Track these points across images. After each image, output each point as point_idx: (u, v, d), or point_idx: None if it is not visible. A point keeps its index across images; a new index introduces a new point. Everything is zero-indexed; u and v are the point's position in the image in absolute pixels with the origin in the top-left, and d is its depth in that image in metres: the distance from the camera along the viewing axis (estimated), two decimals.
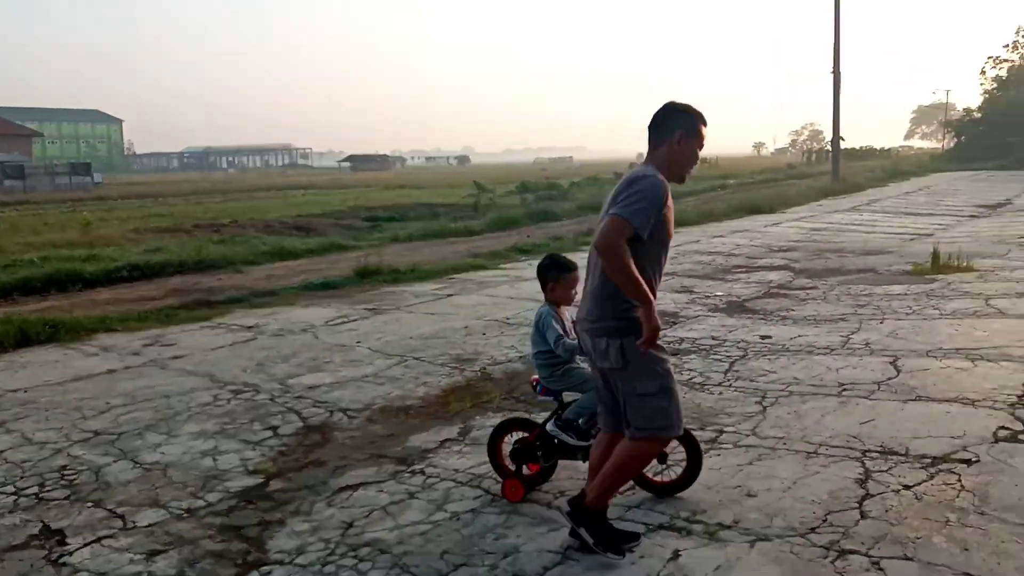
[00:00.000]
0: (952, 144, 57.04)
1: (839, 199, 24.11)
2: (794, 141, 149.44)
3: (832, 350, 6.47)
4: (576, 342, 3.73)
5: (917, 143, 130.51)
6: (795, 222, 17.50)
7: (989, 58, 60.40)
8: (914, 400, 5.13)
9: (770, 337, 6.97)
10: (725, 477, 3.95)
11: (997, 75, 56.55)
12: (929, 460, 4.14)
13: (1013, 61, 56.84)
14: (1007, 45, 58.50)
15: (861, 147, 68.24)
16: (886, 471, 4.03)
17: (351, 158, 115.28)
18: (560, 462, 4.01)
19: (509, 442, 4.04)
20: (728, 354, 6.44)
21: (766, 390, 5.44)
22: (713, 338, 7.00)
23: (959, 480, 3.88)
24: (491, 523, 3.63)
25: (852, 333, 7.02)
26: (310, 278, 11.02)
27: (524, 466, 3.96)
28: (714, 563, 3.19)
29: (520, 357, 6.55)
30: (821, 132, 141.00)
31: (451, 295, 9.56)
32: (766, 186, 31.73)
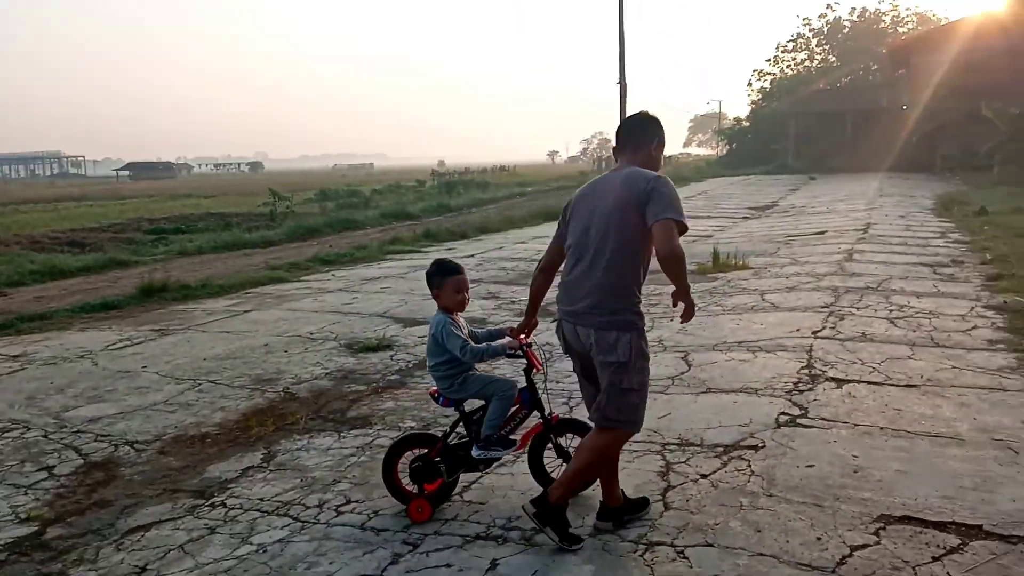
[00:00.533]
0: (725, 151, 62.20)
1: None
2: (585, 149, 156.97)
3: None
4: (482, 345, 3.70)
5: (695, 150, 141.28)
6: None
7: (755, 71, 66.51)
8: (705, 392, 5.48)
9: None
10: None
11: (762, 87, 62.43)
12: (722, 448, 4.43)
13: (774, 74, 62.99)
14: (769, 59, 64.77)
15: None
16: (684, 462, 4.26)
17: (130, 166, 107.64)
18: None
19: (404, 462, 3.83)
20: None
21: (572, 391, 5.59)
22: None
23: (749, 466, 4.17)
24: (302, 552, 3.43)
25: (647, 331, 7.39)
26: (87, 299, 10.07)
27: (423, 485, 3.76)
28: (531, 569, 3.21)
29: (327, 374, 6.32)
30: (610, 140, 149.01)
31: (248, 311, 9.06)
32: (561, 193, 32.95)
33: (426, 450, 3.82)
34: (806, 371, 5.84)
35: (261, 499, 4.01)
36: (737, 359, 6.25)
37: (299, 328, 8.01)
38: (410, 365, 6.52)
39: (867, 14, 60.10)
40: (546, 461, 3.96)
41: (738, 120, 64.66)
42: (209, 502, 4.01)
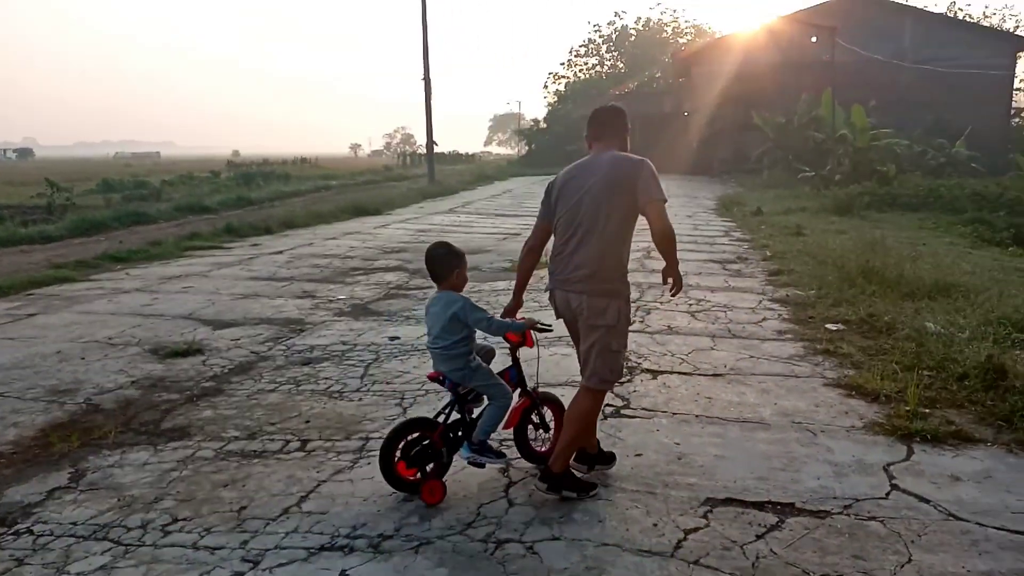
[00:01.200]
0: (525, 151, 64.12)
1: (437, 201, 25.64)
2: (388, 144, 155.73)
3: None
4: (507, 320, 4.05)
5: (495, 149, 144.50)
6: (402, 223, 18.18)
7: (550, 74, 69.01)
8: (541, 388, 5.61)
9: (399, 338, 7.13)
10: (380, 486, 3.91)
11: (557, 89, 64.92)
12: None
13: (568, 77, 65.75)
14: (563, 63, 67.62)
15: (450, 151, 73.44)
16: (520, 457, 4.35)
17: None
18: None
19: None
20: (361, 358, 6.44)
21: (404, 391, 5.55)
22: (344, 343, 6.95)
23: None
24: None
25: None
26: None
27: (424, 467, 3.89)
28: None
29: (133, 383, 5.83)
30: (413, 136, 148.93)
31: (33, 314, 8.16)
32: (369, 188, 32.51)
33: (417, 435, 3.88)
34: (625, 364, 6.16)
35: (74, 523, 3.63)
36: (560, 354, 6.46)
37: (95, 333, 7.32)
38: (225, 370, 6.16)
39: (651, 24, 64.24)
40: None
41: (536, 121, 66.86)
42: (13, 530, 3.58)
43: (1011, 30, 46.73)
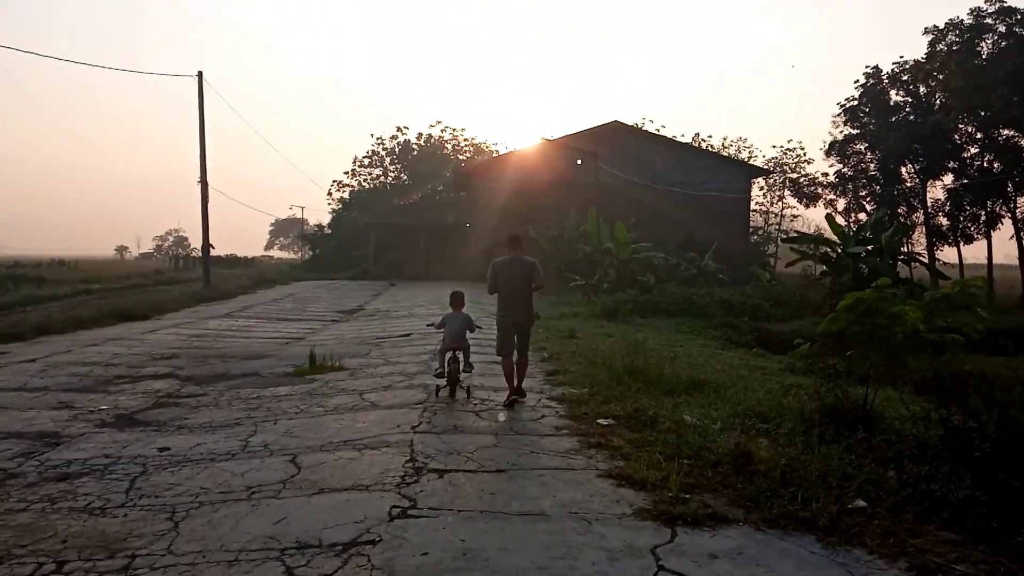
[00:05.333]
0: (309, 256, 63.24)
1: (213, 305, 24.49)
2: (159, 246, 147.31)
3: (234, 455, 6.53)
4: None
5: (277, 253, 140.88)
6: (173, 328, 17.17)
7: (334, 182, 69.06)
8: (318, 493, 5.50)
9: (169, 449, 6.69)
10: None
11: (341, 197, 65.21)
12: (341, 547, 4.48)
13: (353, 186, 66.42)
14: (347, 172, 68.21)
15: (227, 255, 70.72)
16: (306, 564, 4.23)
17: None
18: None
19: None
20: (126, 471, 5.97)
21: (175, 504, 5.20)
22: (106, 456, 6.40)
23: (369, 560, 4.29)
24: None
25: (250, 436, 7.19)
26: None
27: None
28: None
29: None
30: (187, 238, 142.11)
31: None
32: (136, 291, 30.42)
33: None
34: (410, 464, 6.19)
35: None
36: (346, 457, 6.38)
37: None
38: None
39: (432, 140, 66.96)
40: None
41: (320, 226, 66.49)
42: None
43: (745, 159, 53.59)
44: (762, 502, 5.21)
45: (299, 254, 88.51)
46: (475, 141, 67.87)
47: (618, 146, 38.01)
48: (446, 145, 66.96)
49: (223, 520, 4.93)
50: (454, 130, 67.73)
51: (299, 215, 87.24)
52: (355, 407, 8.56)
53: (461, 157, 64.94)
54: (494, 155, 57.30)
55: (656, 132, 47.96)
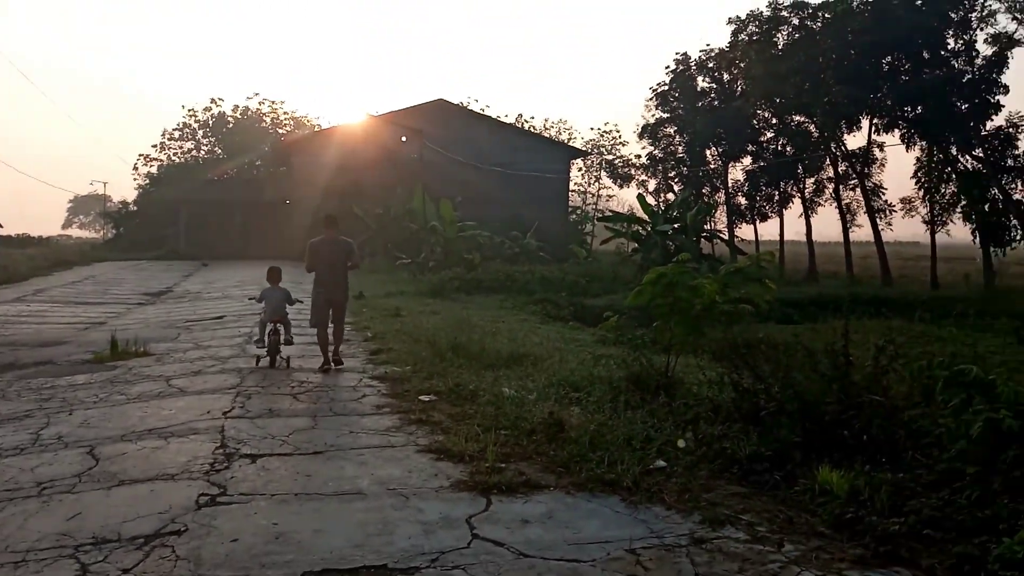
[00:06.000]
0: (112, 235, 58.67)
1: (1, 289, 22.25)
2: None
3: (23, 449, 6.01)
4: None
5: (76, 232, 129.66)
6: None
7: (140, 155, 64.08)
8: (118, 485, 5.18)
9: None
10: None
11: (149, 172, 60.79)
12: (143, 539, 4.25)
13: (162, 160, 62.05)
14: (155, 145, 63.53)
15: (19, 234, 64.18)
16: (103, 560, 3.99)
17: None
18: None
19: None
20: None
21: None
22: None
23: (173, 551, 4.10)
24: None
25: (41, 429, 6.64)
26: None
27: None
28: None
29: None
30: None
31: None
32: None
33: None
34: (221, 451, 5.96)
35: None
36: (150, 447, 6.04)
37: None
38: None
39: (249, 112, 63.83)
40: None
41: (125, 203, 61.78)
42: None
43: (566, 141, 55.23)
44: (572, 467, 5.46)
45: (101, 233, 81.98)
46: (296, 115, 65.44)
47: (444, 124, 38.03)
48: (264, 118, 64.09)
49: (8, 520, 4.53)
50: (273, 102, 64.81)
51: (101, 191, 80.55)
52: (161, 394, 8.10)
53: (281, 131, 62.44)
54: (316, 129, 55.50)
55: (481, 112, 48.36)
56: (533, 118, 62.59)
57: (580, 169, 56.63)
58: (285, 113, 65.08)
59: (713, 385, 7.05)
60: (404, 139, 37.19)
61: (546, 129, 58.48)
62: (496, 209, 36.57)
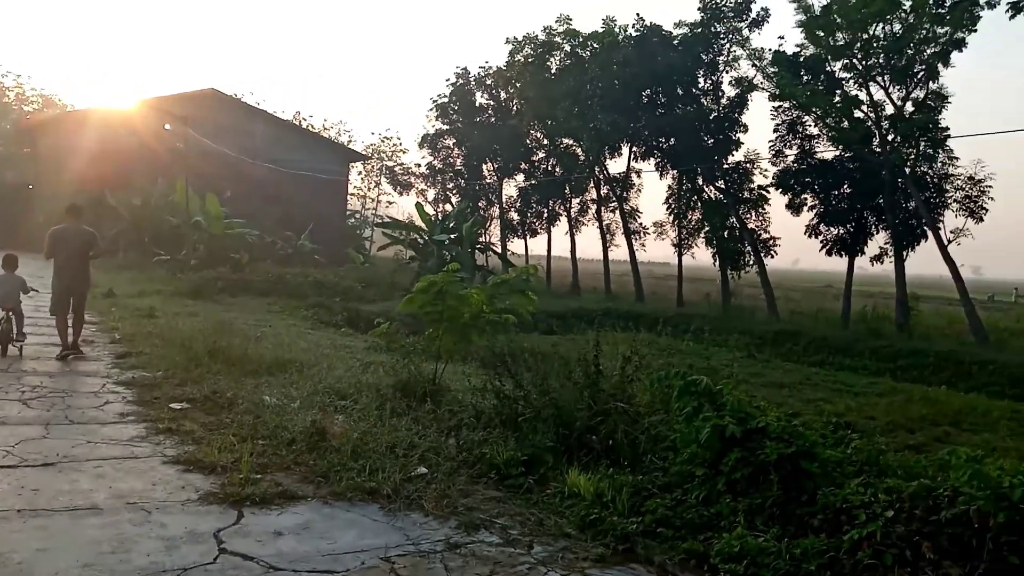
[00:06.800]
0: None
1: None
2: None
3: None
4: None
5: None
6: None
7: None
8: None
9: None
10: None
11: None
12: None
13: None
14: None
15: None
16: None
17: None
18: None
19: None
20: None
21: None
22: None
23: None
24: None
25: None
26: None
27: None
28: None
29: None
30: None
31: None
32: None
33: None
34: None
35: None
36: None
37: None
38: None
39: None
40: None
41: None
42: None
43: (345, 143, 54.28)
44: (332, 476, 5.38)
45: None
46: (44, 93, 58.93)
47: (215, 115, 35.81)
48: (7, 93, 57.13)
49: None
50: (17, 77, 57.92)
51: None
52: None
53: (27, 108, 55.97)
54: (68, 110, 50.29)
55: (256, 105, 46.28)
56: (312, 116, 61.04)
57: (360, 173, 56.03)
58: (33, 89, 58.47)
59: (477, 392, 7.25)
60: (168, 127, 34.67)
61: (325, 130, 57.25)
62: (269, 207, 35.03)
